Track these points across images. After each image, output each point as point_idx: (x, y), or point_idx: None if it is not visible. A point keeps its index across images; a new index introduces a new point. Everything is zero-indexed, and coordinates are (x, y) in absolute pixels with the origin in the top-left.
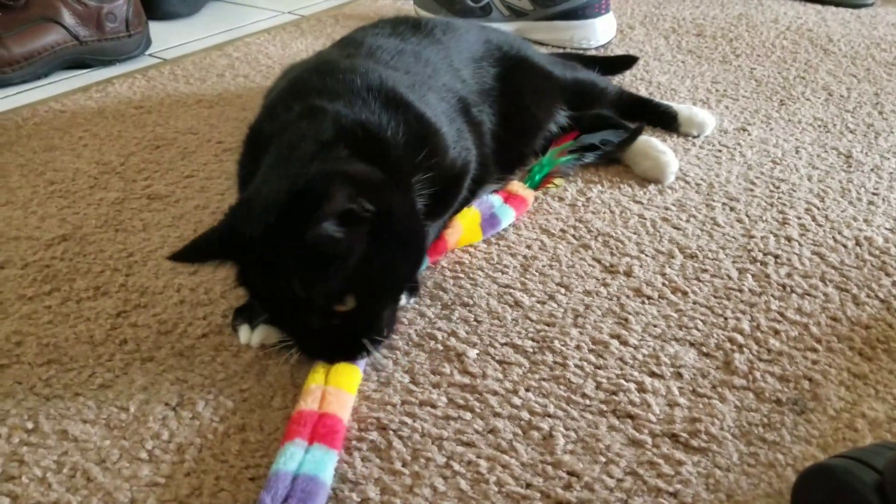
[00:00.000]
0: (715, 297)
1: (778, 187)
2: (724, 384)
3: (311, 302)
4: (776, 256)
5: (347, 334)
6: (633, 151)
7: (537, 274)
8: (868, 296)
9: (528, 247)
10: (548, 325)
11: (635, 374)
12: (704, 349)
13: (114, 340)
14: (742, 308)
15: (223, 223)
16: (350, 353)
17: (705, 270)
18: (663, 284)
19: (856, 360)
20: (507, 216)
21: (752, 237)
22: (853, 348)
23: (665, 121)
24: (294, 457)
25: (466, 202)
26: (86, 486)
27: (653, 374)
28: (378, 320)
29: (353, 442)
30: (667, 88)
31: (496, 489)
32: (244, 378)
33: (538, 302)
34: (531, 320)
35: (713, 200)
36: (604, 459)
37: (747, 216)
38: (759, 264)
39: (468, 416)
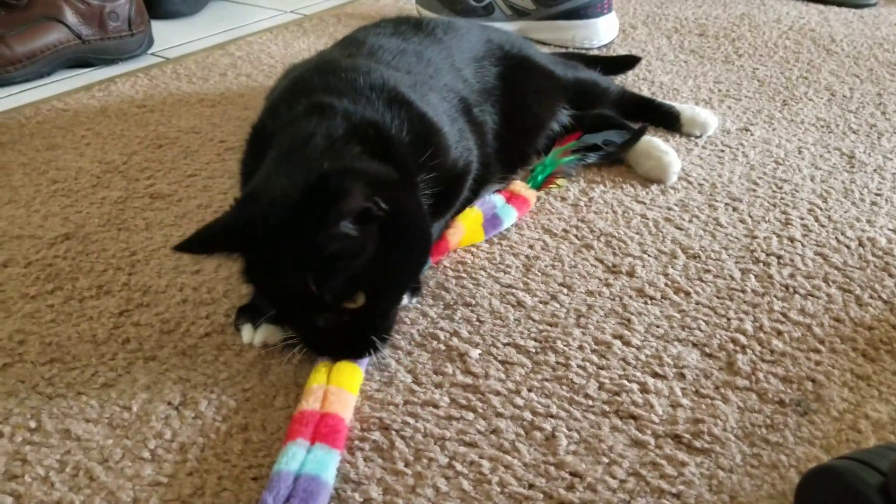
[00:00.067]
0: (718, 297)
1: (781, 188)
2: (727, 385)
3: (321, 299)
4: (779, 257)
5: (355, 332)
6: (636, 151)
7: (540, 274)
8: (871, 297)
9: (531, 247)
10: (550, 325)
11: (638, 374)
12: (707, 350)
13: (116, 339)
14: (745, 309)
15: (230, 215)
16: (359, 350)
17: (708, 271)
18: (666, 285)
19: (859, 361)
20: (510, 216)
21: (754, 238)
22: (856, 349)
23: (667, 121)
24: (296, 457)
25: (469, 202)
26: (88, 486)
27: (656, 375)
28: (385, 318)
29: (356, 442)
30: (669, 88)
31: (499, 490)
32: (247, 377)
33: (541, 302)
34: (534, 320)
35: (716, 201)
36: (606, 460)
37: (750, 217)
38: (761, 265)
39: (471, 416)
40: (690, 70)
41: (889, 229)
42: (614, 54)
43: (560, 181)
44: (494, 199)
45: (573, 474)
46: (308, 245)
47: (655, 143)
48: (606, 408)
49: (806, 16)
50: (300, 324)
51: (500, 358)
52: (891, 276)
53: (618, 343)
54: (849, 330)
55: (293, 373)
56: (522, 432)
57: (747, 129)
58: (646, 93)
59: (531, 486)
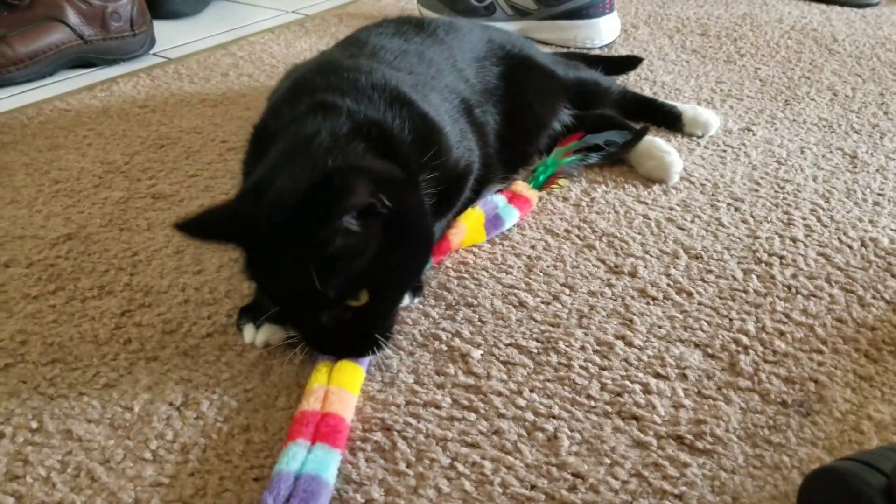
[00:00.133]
0: (720, 297)
1: (783, 188)
2: (730, 386)
3: (324, 296)
4: (781, 257)
5: (358, 330)
6: (638, 151)
7: (542, 274)
8: (874, 297)
9: (533, 247)
10: (552, 325)
11: (640, 375)
12: (709, 350)
13: (118, 340)
14: (747, 309)
15: (232, 205)
16: (362, 348)
17: (710, 271)
18: (668, 285)
19: (861, 361)
20: (511, 217)
21: (757, 238)
22: (859, 350)
23: (669, 121)
24: (296, 457)
25: (470, 202)
26: (90, 486)
27: (658, 376)
28: (387, 317)
29: (358, 443)
30: (671, 88)
31: (501, 490)
32: (248, 378)
33: (543, 302)
34: (536, 321)
35: (718, 201)
36: (608, 461)
37: (752, 217)
38: (764, 265)
39: (472, 416)
40: (692, 70)
41: (891, 229)
42: (616, 55)
43: (562, 181)
44: (496, 199)
45: (575, 475)
46: (312, 241)
47: (657, 143)
48: (608, 408)
49: (808, 15)
50: (302, 322)
51: (502, 358)
52: (893, 276)
53: (620, 344)
54: (851, 330)
55: (295, 373)
56: (524, 433)
57: (749, 129)
58: (647, 93)
59: (533, 487)
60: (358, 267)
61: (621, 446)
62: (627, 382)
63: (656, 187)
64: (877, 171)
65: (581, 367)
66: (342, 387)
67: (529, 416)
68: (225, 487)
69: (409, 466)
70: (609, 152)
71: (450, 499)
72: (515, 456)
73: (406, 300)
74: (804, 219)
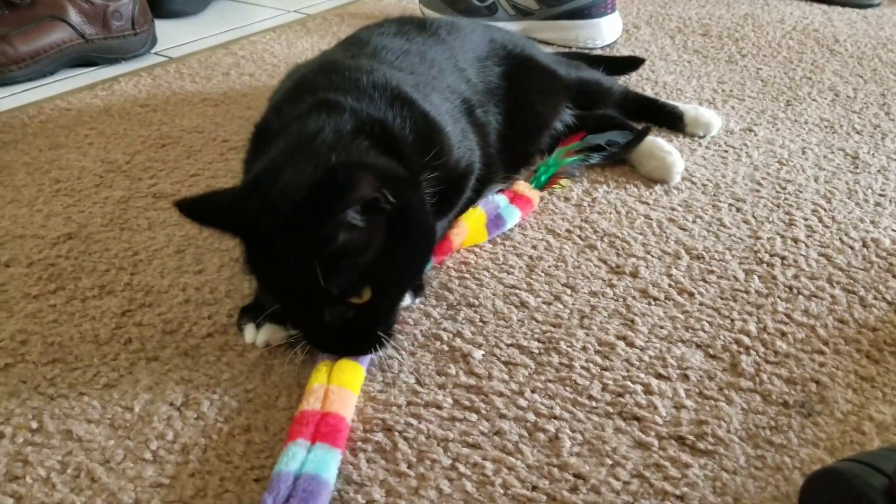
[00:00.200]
0: (721, 298)
1: (784, 188)
2: (731, 386)
3: (327, 292)
4: (783, 258)
5: (360, 328)
6: (639, 152)
7: (543, 274)
8: (875, 298)
9: (534, 247)
10: (554, 325)
11: (642, 375)
12: (711, 351)
13: (119, 340)
14: (749, 310)
15: (235, 195)
16: (364, 346)
17: (712, 272)
18: (669, 285)
19: (863, 362)
20: (513, 217)
21: (758, 238)
22: (860, 350)
23: (671, 121)
24: (296, 457)
25: (472, 202)
26: (90, 487)
27: (659, 376)
28: (389, 315)
29: (358, 443)
30: (672, 88)
31: (502, 491)
32: (249, 378)
33: (544, 303)
34: (537, 321)
35: (719, 201)
36: (610, 462)
37: (754, 217)
38: (765, 266)
39: (474, 417)
40: (694, 70)
41: (893, 230)
42: (618, 55)
43: (563, 182)
44: (498, 199)
45: (577, 476)
46: (316, 236)
47: (659, 143)
48: (610, 409)
49: (809, 16)
50: (304, 319)
51: (503, 359)
52: (895, 277)
53: (621, 344)
54: (853, 331)
55: (296, 373)
56: (526, 434)
57: (751, 130)
58: (649, 93)
59: (534, 488)
60: (361, 263)
61: (623, 447)
62: (629, 383)
63: (658, 187)
64: (878, 171)
65: (582, 367)
66: (342, 386)
67: (531, 416)
68: (225, 488)
69: (410, 467)
70: (611, 152)
71: (451, 500)
72: (517, 457)
73: (407, 300)
74: (806, 219)
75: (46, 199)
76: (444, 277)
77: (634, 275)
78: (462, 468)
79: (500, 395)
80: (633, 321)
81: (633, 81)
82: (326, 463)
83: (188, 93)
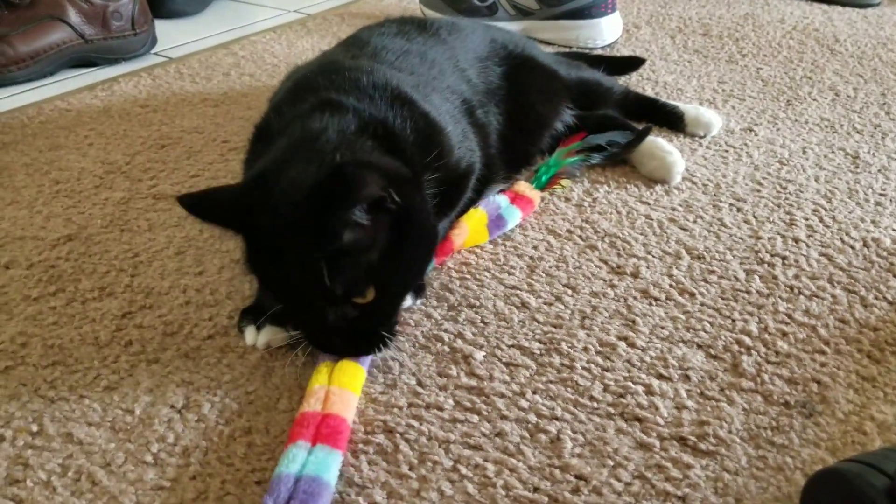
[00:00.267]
0: (722, 298)
1: (785, 188)
2: (733, 387)
3: (331, 291)
4: (784, 258)
5: (363, 328)
6: (640, 152)
7: (544, 275)
8: (876, 297)
9: (535, 248)
10: (555, 326)
11: (643, 376)
12: (712, 351)
13: (119, 342)
14: (750, 310)
15: (237, 191)
16: (367, 346)
17: (713, 272)
18: (670, 286)
19: (864, 362)
20: (514, 217)
21: (759, 238)
22: (861, 350)
23: (671, 121)
24: (296, 459)
25: (473, 202)
26: (91, 490)
27: (660, 377)
28: (392, 315)
29: (360, 445)
30: (673, 88)
31: (503, 493)
32: (250, 380)
33: (545, 303)
34: (538, 322)
35: (720, 201)
36: (612, 463)
37: (754, 217)
38: (766, 266)
39: (475, 418)
40: (694, 70)
41: (894, 230)
42: (618, 55)
43: (564, 182)
44: (499, 199)
45: (578, 477)
46: (321, 234)
47: (659, 143)
48: (611, 410)
49: (810, 15)
50: (306, 319)
51: (504, 360)
52: (895, 276)
53: (622, 345)
54: (854, 331)
55: (297, 375)
56: (527, 435)
57: (751, 130)
58: (649, 93)
59: (536, 490)
60: (365, 263)
61: (624, 448)
62: (630, 384)
63: (658, 188)
64: (879, 171)
65: (584, 368)
66: (343, 387)
67: (532, 417)
68: (227, 491)
69: (411, 469)
70: (611, 153)
71: (452, 501)
72: (518, 458)
73: (408, 301)
74: (806, 219)
75: (46, 200)
76: (444, 278)
77: (635, 275)
78: (464, 470)
79: (502, 396)
80: (634, 322)
81: (633, 81)
82: (327, 465)
83: (188, 93)
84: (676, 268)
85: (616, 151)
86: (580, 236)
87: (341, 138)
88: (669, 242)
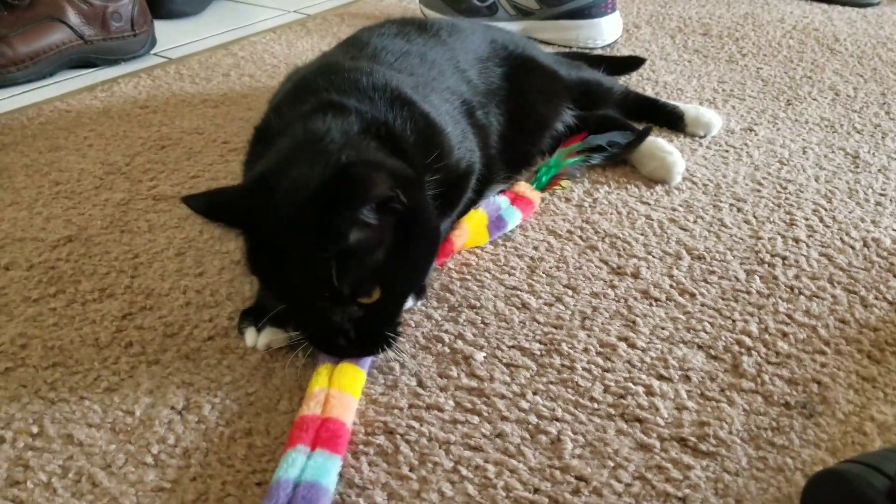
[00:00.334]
0: (723, 299)
1: (785, 188)
2: (733, 387)
3: (337, 292)
4: (784, 258)
5: (367, 328)
6: (640, 152)
7: (544, 276)
8: (876, 298)
9: (535, 248)
10: (555, 327)
11: (643, 377)
12: (712, 352)
13: (119, 343)
14: (750, 310)
15: (243, 190)
16: (372, 346)
17: (713, 272)
18: (671, 286)
19: (864, 362)
20: (514, 218)
21: (759, 238)
22: (861, 351)
23: (671, 121)
24: (295, 463)
25: (473, 203)
26: (91, 492)
27: (661, 378)
28: (395, 316)
29: (360, 446)
30: (673, 88)
31: (504, 494)
32: (250, 381)
33: (545, 304)
34: (538, 322)
35: (720, 201)
36: (612, 464)
37: (755, 217)
38: (766, 266)
39: (476, 419)
40: (694, 70)
41: (894, 230)
42: (618, 55)
43: (564, 183)
44: (499, 200)
45: (578, 478)
46: (328, 233)
47: (659, 143)
48: (612, 411)
49: (809, 15)
50: (308, 319)
51: (504, 361)
52: (895, 276)
53: (623, 345)
54: (854, 331)
55: (297, 376)
56: (528, 436)
57: (751, 129)
58: (650, 92)
59: (536, 491)
60: (371, 263)
61: (625, 449)
62: (630, 384)
63: (659, 188)
64: (879, 171)
65: (584, 369)
66: (343, 390)
67: (532, 418)
68: (227, 492)
69: (412, 470)
70: (612, 153)
71: (453, 502)
72: (519, 459)
73: (409, 302)
74: (806, 219)
75: (46, 201)
76: (445, 279)
77: (636, 276)
78: (464, 471)
79: (502, 397)
80: (634, 322)
81: (633, 81)
82: (327, 469)
83: (188, 94)
84: (677, 268)
85: (616, 152)
86: (580, 237)
87: (346, 139)
88: (670, 243)
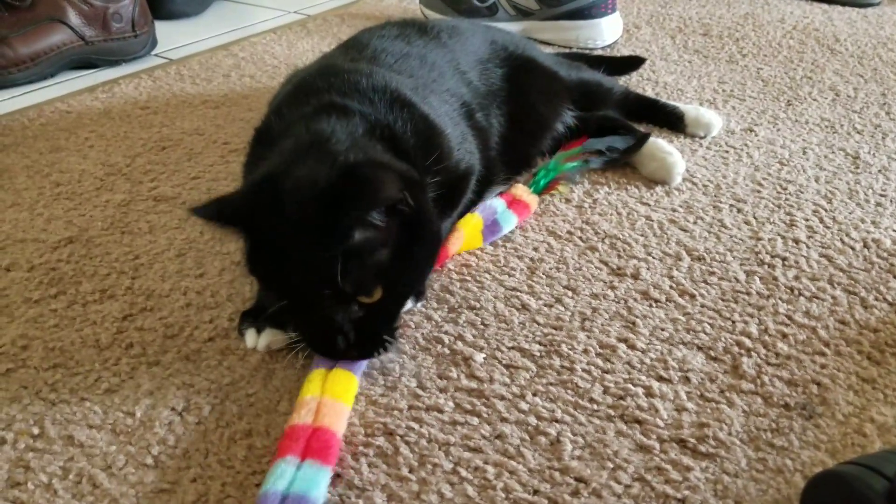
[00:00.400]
0: (723, 300)
1: (785, 189)
2: (732, 388)
3: (339, 291)
4: (784, 259)
5: (366, 329)
6: (640, 153)
7: (544, 277)
8: (876, 299)
9: (535, 249)
10: (555, 328)
11: (643, 378)
12: (712, 353)
13: (120, 344)
14: (750, 311)
15: (247, 192)
16: (371, 347)
17: (713, 273)
18: (671, 287)
19: (864, 363)
20: (509, 223)
21: (759, 239)
22: (861, 352)
23: (671, 121)
24: (284, 475)
25: (473, 204)
26: (91, 493)
27: (660, 379)
28: (394, 318)
29: (360, 448)
30: (673, 88)
31: (503, 495)
32: (250, 382)
33: (545, 305)
34: (538, 324)
35: (720, 202)
36: (611, 465)
37: (755, 218)
38: (766, 267)
39: (475, 421)
40: (694, 70)
41: (894, 230)
42: (618, 55)
43: (562, 188)
44: (496, 204)
45: (578, 480)
46: (335, 231)
47: (659, 144)
48: (611, 412)
49: (810, 15)
50: (308, 319)
51: (504, 362)
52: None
53: (623, 346)
54: (854, 332)
55: (297, 377)
56: (527, 437)
57: (751, 130)
58: (650, 93)
59: (536, 492)
60: (375, 263)
61: (624, 450)
62: (630, 386)
63: (659, 188)
64: (879, 171)
65: (584, 370)
66: (336, 398)
67: (532, 420)
68: (227, 493)
69: (411, 471)
70: (611, 158)
71: None
72: (518, 460)
73: (408, 304)
74: (806, 220)
75: (47, 202)
76: (445, 280)
77: (635, 276)
78: (463, 472)
79: (502, 398)
80: (634, 323)
81: (633, 82)
82: (316, 482)
83: (189, 95)
84: (677, 269)
85: (615, 157)
86: (580, 238)
87: (352, 140)
88: (670, 244)
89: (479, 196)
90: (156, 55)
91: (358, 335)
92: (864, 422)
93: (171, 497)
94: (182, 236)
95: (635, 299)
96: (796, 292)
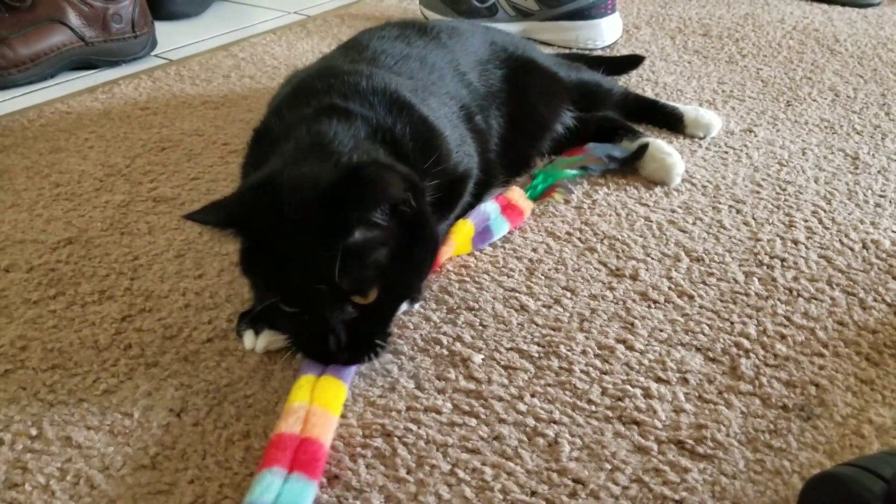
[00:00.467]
0: (721, 301)
1: (784, 189)
2: (731, 390)
3: (337, 290)
4: (783, 260)
5: (360, 331)
6: None
7: (543, 277)
8: (875, 300)
9: (534, 250)
10: (553, 329)
11: (641, 379)
12: (710, 354)
13: (118, 345)
14: (748, 312)
15: (248, 192)
16: (362, 352)
17: (711, 274)
18: (669, 288)
19: (862, 365)
20: (501, 229)
21: (758, 240)
22: (860, 353)
23: (671, 122)
24: (271, 488)
25: (471, 206)
26: (89, 494)
27: (659, 380)
28: (390, 319)
29: (358, 449)
30: (673, 89)
31: (501, 497)
32: (248, 384)
33: (544, 306)
34: (537, 325)
35: (719, 203)
36: (609, 466)
37: (754, 219)
38: (765, 268)
39: (473, 422)
40: (694, 70)
41: (893, 231)
42: (617, 55)
43: (557, 195)
44: (489, 209)
45: (576, 481)
46: (337, 229)
47: (659, 144)
48: (609, 413)
49: (810, 15)
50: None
51: (502, 363)
52: (895, 278)
53: (621, 347)
54: (852, 333)
55: (295, 379)
56: (525, 438)
57: (751, 131)
58: (649, 93)
59: (534, 494)
60: (374, 263)
61: (622, 451)
62: (628, 387)
63: (658, 189)
64: (878, 172)
65: (582, 371)
66: (325, 407)
67: (530, 421)
68: (224, 495)
69: (409, 473)
70: (609, 167)
71: None
72: (516, 462)
73: (405, 305)
74: (805, 221)
75: (46, 203)
76: (443, 281)
77: (634, 277)
78: (461, 473)
79: (500, 399)
80: (632, 324)
81: (633, 82)
82: (303, 497)
83: (188, 95)
84: (675, 270)
85: (613, 168)
86: (579, 238)
87: (355, 144)
88: (668, 244)
89: (477, 199)
90: (156, 56)
91: (350, 337)
92: (862, 423)
93: (169, 498)
94: (181, 237)
95: (634, 300)
96: (795, 293)
